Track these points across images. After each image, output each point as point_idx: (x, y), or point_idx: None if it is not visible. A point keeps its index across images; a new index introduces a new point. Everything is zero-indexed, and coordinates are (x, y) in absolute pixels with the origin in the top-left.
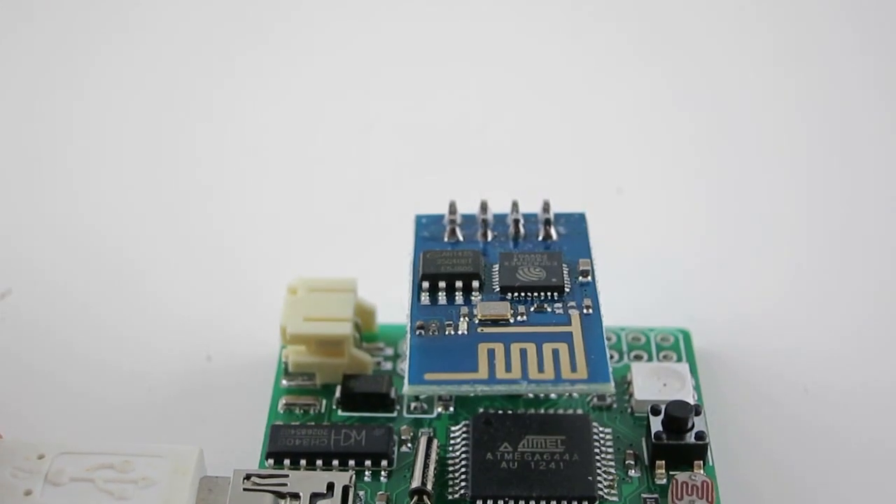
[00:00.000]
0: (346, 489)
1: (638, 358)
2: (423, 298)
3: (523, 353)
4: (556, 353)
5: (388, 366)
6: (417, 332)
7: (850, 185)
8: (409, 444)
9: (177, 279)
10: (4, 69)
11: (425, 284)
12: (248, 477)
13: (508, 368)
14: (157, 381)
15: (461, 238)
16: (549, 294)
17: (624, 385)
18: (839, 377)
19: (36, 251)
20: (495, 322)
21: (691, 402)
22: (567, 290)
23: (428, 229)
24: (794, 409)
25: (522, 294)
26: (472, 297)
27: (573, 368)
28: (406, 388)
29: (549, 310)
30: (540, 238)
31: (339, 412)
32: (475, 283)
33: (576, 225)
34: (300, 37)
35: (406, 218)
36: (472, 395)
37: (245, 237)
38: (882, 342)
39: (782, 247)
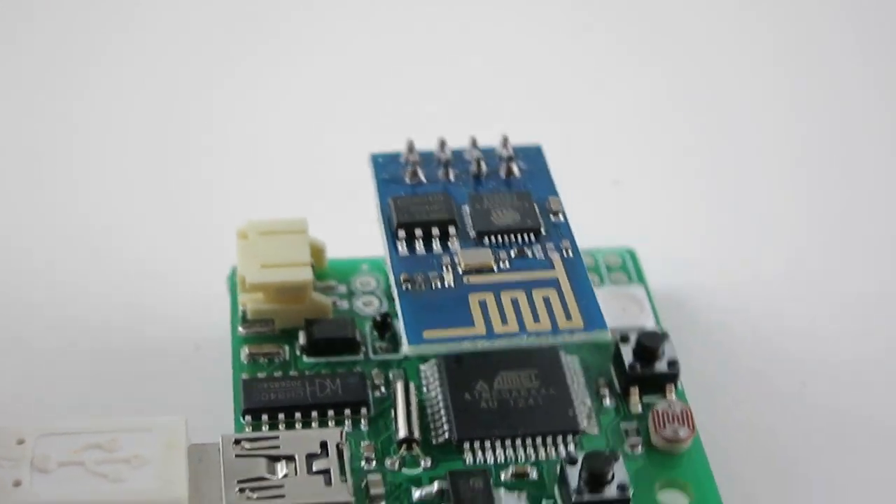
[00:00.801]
0: (339, 447)
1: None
2: (400, 248)
3: (515, 302)
4: (547, 301)
5: (344, 304)
6: (404, 287)
7: (845, 160)
8: (383, 389)
9: (120, 225)
10: None
11: (401, 233)
12: (237, 442)
13: (504, 321)
14: (103, 341)
15: (424, 179)
16: (525, 237)
17: None
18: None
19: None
20: (479, 271)
21: (652, 324)
22: (543, 231)
23: (387, 170)
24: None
25: (500, 238)
26: (450, 244)
27: (568, 317)
28: (406, 349)
29: (529, 254)
30: (502, 176)
31: (305, 359)
32: (451, 230)
33: (535, 159)
34: None
35: (343, 151)
36: (473, 350)
37: (189, 181)
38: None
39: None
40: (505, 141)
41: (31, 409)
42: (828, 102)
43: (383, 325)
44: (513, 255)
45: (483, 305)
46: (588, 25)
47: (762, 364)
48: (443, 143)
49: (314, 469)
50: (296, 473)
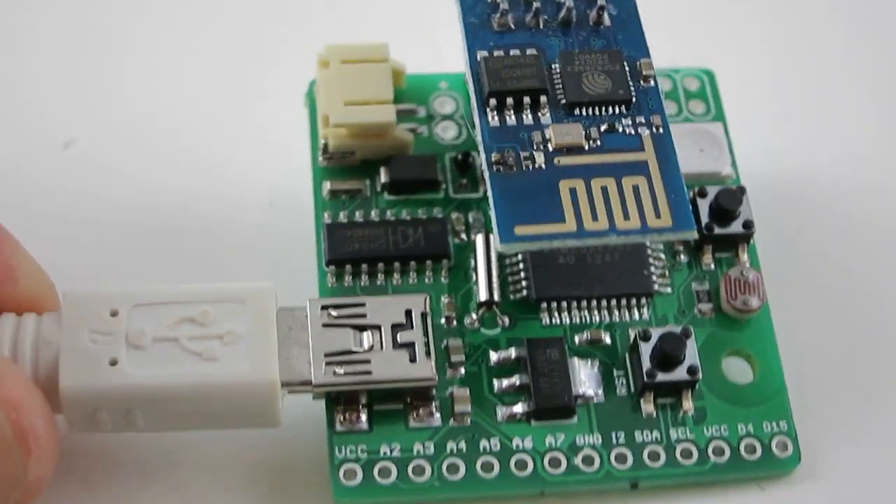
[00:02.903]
0: (424, 316)
1: (669, 113)
2: (491, 118)
3: (605, 192)
4: (636, 191)
5: (423, 131)
6: (496, 168)
7: None
8: (463, 236)
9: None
10: None
11: (493, 102)
12: (324, 307)
13: (595, 217)
14: (182, 196)
15: (513, 27)
16: (616, 108)
17: None
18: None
19: (95, 105)
20: (570, 150)
21: (728, 170)
22: (633, 99)
23: (474, 12)
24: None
25: (590, 110)
26: (541, 115)
27: (657, 214)
28: (498, 247)
29: (619, 129)
30: (591, 23)
31: (386, 196)
32: (543, 99)
33: (624, 1)
34: None
35: None
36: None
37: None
38: None
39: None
40: None
41: (117, 274)
42: None
43: (464, 164)
44: (603, 129)
45: (573, 194)
46: None
47: (844, 238)
48: None
49: (399, 341)
50: (381, 346)
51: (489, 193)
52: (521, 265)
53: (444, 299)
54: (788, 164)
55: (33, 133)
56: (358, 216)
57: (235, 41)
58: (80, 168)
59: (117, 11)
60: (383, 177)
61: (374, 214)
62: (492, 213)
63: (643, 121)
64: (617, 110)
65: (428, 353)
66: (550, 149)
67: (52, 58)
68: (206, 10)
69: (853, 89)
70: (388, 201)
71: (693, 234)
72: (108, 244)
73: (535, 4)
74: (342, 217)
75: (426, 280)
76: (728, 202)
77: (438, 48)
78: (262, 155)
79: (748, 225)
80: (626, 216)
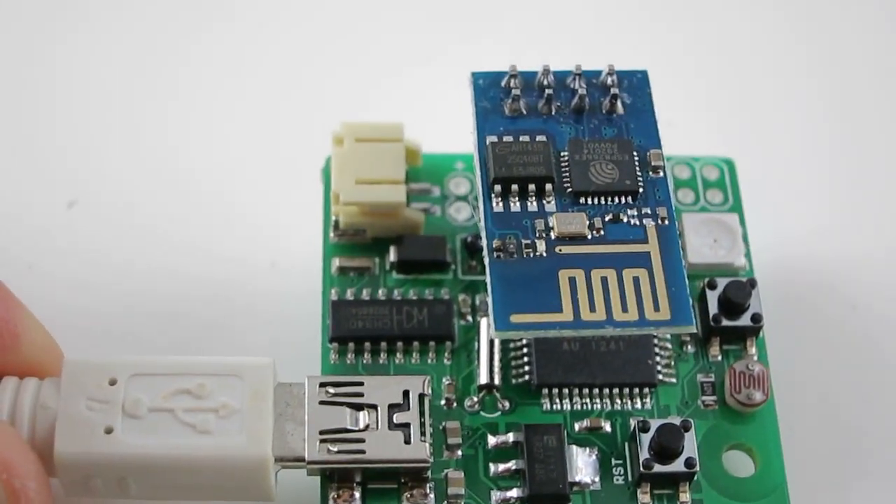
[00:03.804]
0: (422, 398)
1: (685, 202)
2: (495, 204)
3: (604, 283)
4: (636, 283)
5: (437, 210)
6: (496, 255)
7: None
8: (469, 318)
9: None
10: None
11: (497, 188)
12: (322, 385)
13: (592, 308)
14: (189, 256)
15: (524, 112)
16: (622, 198)
17: None
18: None
19: (102, 162)
20: (572, 238)
21: (742, 262)
22: (640, 190)
23: (486, 96)
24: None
25: (596, 199)
26: (546, 201)
27: (656, 307)
28: (493, 334)
29: (624, 220)
30: (604, 111)
31: (395, 275)
32: (548, 186)
33: (639, 90)
34: None
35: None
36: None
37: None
38: None
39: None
40: (611, 70)
41: (120, 338)
42: None
43: (474, 247)
44: (607, 219)
45: (572, 284)
46: None
47: (856, 336)
48: (546, 71)
49: (395, 422)
50: (377, 426)
51: (488, 280)
52: (525, 350)
53: (446, 380)
54: (805, 257)
55: (37, 192)
56: (365, 294)
57: (253, 110)
58: (84, 228)
59: (126, 75)
60: (392, 256)
61: (381, 293)
62: (489, 299)
63: (649, 212)
64: (623, 200)
65: (423, 435)
66: (553, 237)
67: (57, 117)
68: (221, 77)
69: (875, 184)
70: (397, 280)
71: (691, 329)
72: (112, 307)
73: (548, 91)
74: (349, 294)
75: (429, 360)
76: (737, 295)
77: (458, 128)
78: (274, 228)
79: (757, 318)
80: (625, 308)
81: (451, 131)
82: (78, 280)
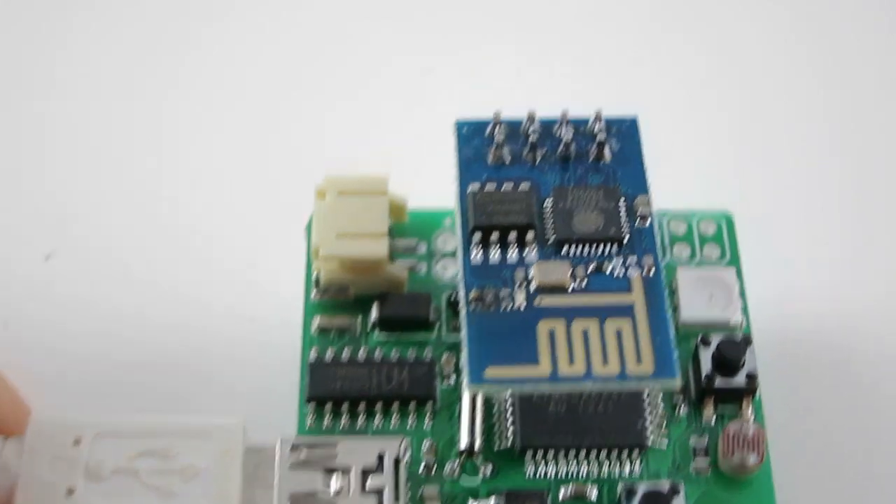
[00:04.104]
0: (396, 462)
1: (681, 257)
2: (474, 254)
3: (585, 336)
4: (619, 336)
5: (423, 268)
6: (473, 308)
7: None
8: (452, 379)
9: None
10: None
11: (476, 237)
12: (294, 447)
13: (572, 360)
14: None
15: (507, 161)
16: (607, 247)
17: (668, 291)
18: None
19: (79, 214)
20: (553, 289)
21: (738, 318)
22: (626, 238)
23: (470, 144)
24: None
25: (579, 247)
26: (526, 253)
27: (638, 360)
28: (466, 388)
29: (608, 270)
30: (591, 159)
31: (377, 335)
32: (530, 235)
33: (628, 137)
34: None
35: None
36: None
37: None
38: None
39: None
40: (598, 116)
41: (88, 394)
42: None
43: (458, 306)
44: (590, 269)
45: (552, 337)
46: None
47: (857, 394)
48: (532, 118)
49: (367, 487)
50: (349, 490)
51: (463, 332)
52: (509, 411)
53: (426, 443)
54: (806, 314)
55: (14, 244)
56: (346, 353)
57: (236, 162)
58: (60, 280)
59: (106, 124)
60: (374, 314)
61: (362, 352)
62: (464, 352)
63: (635, 261)
64: (607, 249)
65: (397, 501)
66: (532, 288)
67: (37, 169)
68: (205, 128)
69: (877, 241)
70: (379, 340)
71: (675, 384)
72: (87, 362)
73: (533, 138)
74: (329, 354)
75: (409, 423)
76: (731, 352)
77: (447, 183)
78: (255, 282)
79: (752, 377)
80: (605, 361)
81: (440, 186)
82: (53, 335)
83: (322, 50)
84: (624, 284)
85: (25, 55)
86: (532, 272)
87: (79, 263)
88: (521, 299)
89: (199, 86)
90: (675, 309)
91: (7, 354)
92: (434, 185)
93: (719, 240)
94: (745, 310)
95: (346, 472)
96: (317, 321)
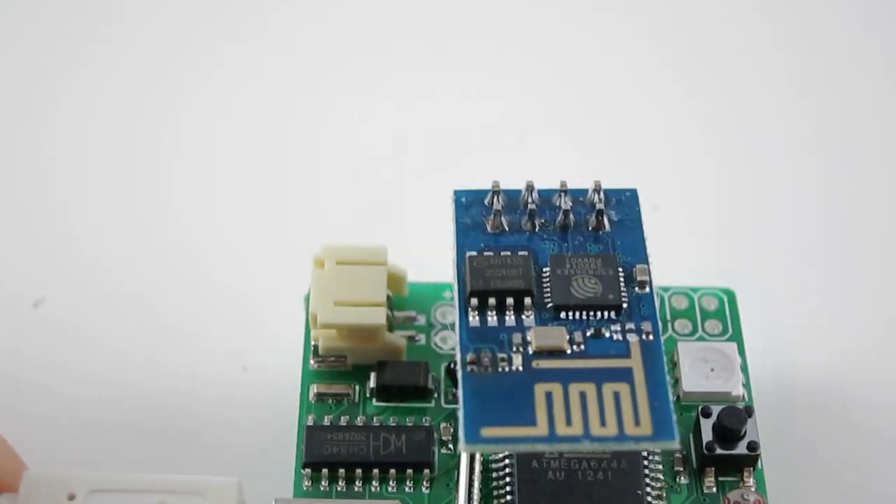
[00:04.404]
0: None
1: (683, 332)
2: (471, 318)
3: (583, 398)
4: (616, 398)
5: (422, 339)
6: (469, 369)
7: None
8: (451, 446)
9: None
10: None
11: (474, 301)
12: None
13: (569, 421)
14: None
15: (506, 228)
16: (605, 313)
17: (670, 364)
18: None
19: (69, 261)
20: (550, 353)
21: (740, 391)
22: (625, 305)
23: (469, 213)
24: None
25: (577, 314)
26: (525, 316)
27: (637, 422)
28: (462, 447)
29: (606, 335)
30: (590, 228)
31: (374, 402)
32: (527, 301)
33: (628, 207)
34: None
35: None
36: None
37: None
38: None
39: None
40: (597, 187)
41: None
42: None
43: (456, 374)
44: (588, 334)
45: (549, 398)
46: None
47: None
48: (530, 187)
49: None
50: None
51: (459, 393)
52: (507, 479)
53: None
54: (807, 385)
55: (2, 291)
56: (343, 421)
57: (234, 221)
58: (49, 328)
59: (100, 172)
60: (372, 381)
61: (359, 420)
62: (460, 413)
63: (633, 327)
64: (605, 315)
65: None
66: (530, 351)
67: (25, 215)
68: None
69: (875, 311)
70: (377, 407)
71: (673, 445)
72: (79, 416)
73: (532, 206)
74: (326, 420)
75: (406, 489)
76: (731, 422)
77: (447, 257)
78: (252, 341)
79: (753, 447)
80: (603, 422)
81: (440, 260)
82: (43, 388)
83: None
84: (622, 349)
85: (32, 101)
86: (529, 336)
87: (68, 310)
88: (518, 362)
89: (199, 152)
90: (677, 381)
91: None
92: (434, 260)
93: (721, 315)
94: (746, 384)
95: None
96: (314, 388)
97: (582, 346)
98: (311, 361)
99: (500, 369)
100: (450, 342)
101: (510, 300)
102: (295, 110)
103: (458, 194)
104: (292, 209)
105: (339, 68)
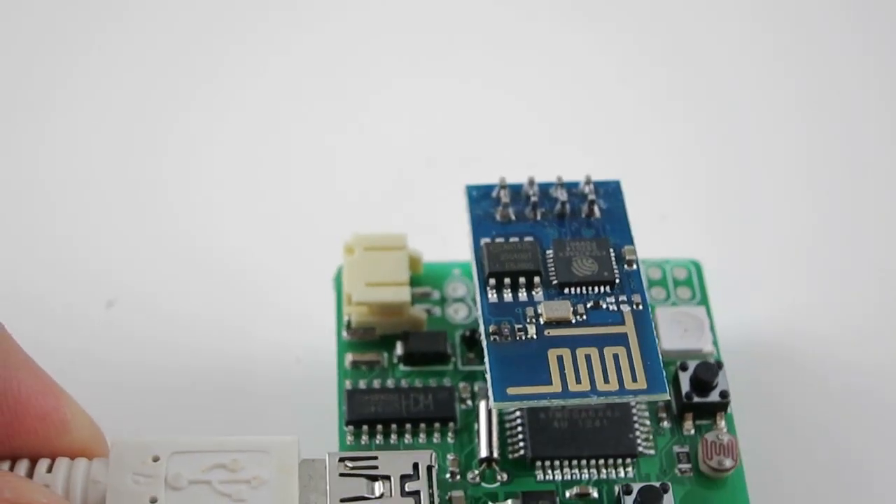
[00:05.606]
0: (429, 469)
1: (658, 298)
2: (490, 295)
3: (588, 360)
4: (616, 359)
5: (437, 311)
6: (493, 339)
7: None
8: (469, 402)
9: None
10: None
11: (492, 281)
12: (341, 460)
13: (578, 380)
14: (213, 354)
15: (513, 218)
16: (601, 288)
17: None
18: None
19: (137, 262)
20: (559, 323)
21: (710, 347)
22: (617, 280)
23: (480, 205)
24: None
25: (578, 289)
26: (535, 292)
27: (633, 378)
28: (491, 405)
29: (603, 306)
30: (584, 216)
31: (402, 367)
32: (536, 279)
33: (613, 197)
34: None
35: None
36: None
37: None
38: None
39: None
40: (588, 180)
41: (155, 424)
42: None
43: (471, 341)
44: (589, 306)
45: (560, 361)
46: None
47: (819, 404)
48: (532, 182)
49: (407, 490)
50: (391, 493)
51: (486, 360)
52: (519, 427)
53: (450, 457)
54: (767, 341)
55: (77, 292)
56: (376, 384)
57: (276, 219)
58: (122, 326)
59: (164, 177)
60: (399, 350)
61: (390, 383)
62: (487, 376)
63: (625, 299)
64: (602, 290)
65: (432, 501)
66: (542, 322)
67: (97, 218)
68: (248, 190)
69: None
70: (404, 372)
71: (665, 397)
72: (151, 395)
73: (534, 199)
74: (362, 384)
75: (434, 440)
76: (706, 375)
77: (453, 240)
78: (296, 326)
79: (724, 395)
80: (606, 380)
81: (448, 243)
82: (120, 374)
83: (340, 125)
84: (618, 318)
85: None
86: (540, 309)
87: (138, 308)
88: (532, 331)
89: (233, 159)
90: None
91: (78, 389)
92: (443, 244)
93: (690, 283)
94: (715, 342)
95: (386, 479)
96: (349, 357)
97: (584, 317)
98: (345, 334)
99: (518, 338)
100: (461, 313)
101: (522, 279)
102: (322, 114)
103: (469, 189)
104: (316, 204)
105: (361, 70)
